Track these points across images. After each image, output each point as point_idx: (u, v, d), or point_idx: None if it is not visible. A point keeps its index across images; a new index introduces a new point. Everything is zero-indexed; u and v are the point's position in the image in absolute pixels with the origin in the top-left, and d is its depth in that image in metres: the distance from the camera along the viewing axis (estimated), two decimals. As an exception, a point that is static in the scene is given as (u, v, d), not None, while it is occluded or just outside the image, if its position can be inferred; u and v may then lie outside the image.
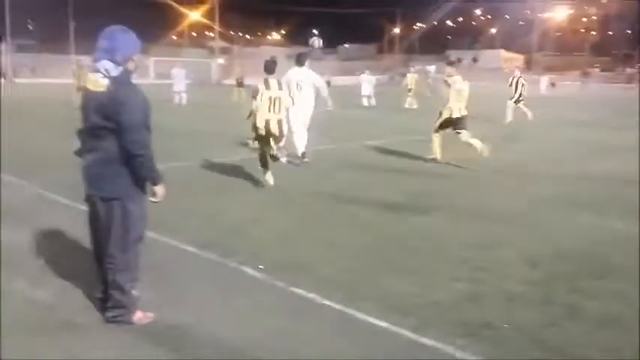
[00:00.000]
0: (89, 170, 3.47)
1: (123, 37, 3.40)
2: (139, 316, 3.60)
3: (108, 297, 3.59)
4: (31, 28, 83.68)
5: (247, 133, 8.38)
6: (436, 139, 10.27)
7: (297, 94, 9.11)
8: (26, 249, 4.96)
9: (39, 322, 3.63)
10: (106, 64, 3.32)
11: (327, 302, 3.99)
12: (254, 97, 7.60)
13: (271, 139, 7.61)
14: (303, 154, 9.81)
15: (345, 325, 3.72)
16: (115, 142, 3.35)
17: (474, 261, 4.95)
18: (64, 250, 4.98)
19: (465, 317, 3.85)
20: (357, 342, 3.50)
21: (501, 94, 20.15)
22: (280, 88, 7.63)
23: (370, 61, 76.71)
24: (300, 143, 9.78)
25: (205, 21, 70.21)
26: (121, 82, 3.34)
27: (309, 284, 4.28)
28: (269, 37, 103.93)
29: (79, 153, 3.58)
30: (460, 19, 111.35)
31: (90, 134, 3.43)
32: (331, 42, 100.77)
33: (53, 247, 5.01)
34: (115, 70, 3.33)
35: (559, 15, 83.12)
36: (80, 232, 4.70)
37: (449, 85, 9.88)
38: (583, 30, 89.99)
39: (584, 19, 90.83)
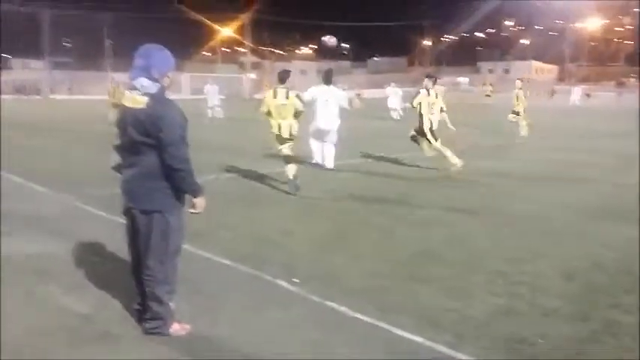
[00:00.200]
0: (129, 184, 3.56)
1: (159, 54, 3.50)
2: (175, 327, 3.65)
3: (145, 308, 3.65)
4: (68, 45, 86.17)
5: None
6: (442, 149, 10.43)
7: (323, 111, 9.57)
8: (64, 260, 5.08)
9: (76, 332, 3.71)
10: (143, 81, 3.42)
11: (360, 315, 3.98)
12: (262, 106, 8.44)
13: (285, 141, 8.34)
14: (316, 163, 10.09)
15: (378, 339, 3.70)
16: (154, 157, 3.42)
17: (510, 274, 4.88)
18: (101, 261, 5.09)
19: (500, 332, 3.80)
20: (390, 357, 3.48)
21: (534, 106, 19.84)
22: (287, 97, 8.23)
23: (400, 73, 76.71)
24: (316, 153, 10.07)
25: (237, 37, 71.30)
26: (158, 98, 3.43)
27: (342, 297, 4.28)
28: (299, 51, 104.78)
29: (118, 168, 3.67)
30: (491, 30, 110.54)
31: (129, 150, 3.52)
32: (361, 55, 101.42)
33: (91, 259, 5.12)
34: (152, 87, 3.42)
35: (592, 25, 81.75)
36: (117, 244, 4.81)
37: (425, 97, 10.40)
38: (617, 40, 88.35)
39: (619, 29, 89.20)
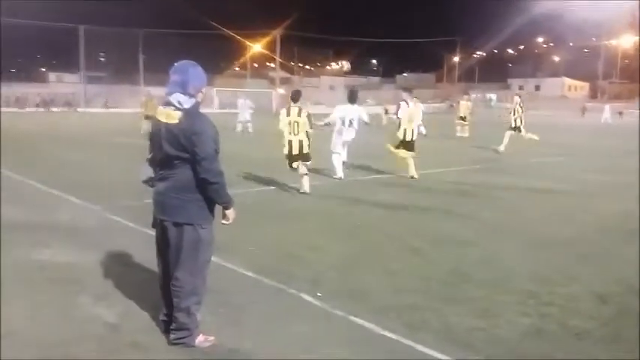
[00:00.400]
0: (162, 197, 3.62)
1: (193, 70, 3.58)
2: (200, 339, 3.67)
3: (172, 319, 3.68)
4: (102, 60, 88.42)
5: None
6: (404, 157, 10.97)
7: (346, 128, 10.61)
8: (94, 270, 5.16)
9: (103, 341, 3.76)
10: (178, 96, 3.51)
11: (386, 333, 3.94)
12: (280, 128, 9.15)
13: (295, 158, 9.14)
14: (340, 178, 10.77)
15: (403, 357, 3.65)
16: (188, 170, 3.50)
17: (540, 294, 4.79)
18: (130, 271, 5.16)
19: (529, 352, 3.72)
20: (416, 374, 3.44)
21: (566, 123, 19.52)
22: (299, 115, 8.97)
23: (428, 89, 76.56)
24: (339, 168, 10.80)
25: (267, 52, 72.19)
26: (193, 113, 3.51)
27: (368, 313, 4.25)
28: (328, 67, 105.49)
29: (149, 182, 3.73)
30: (521, 46, 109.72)
31: (163, 163, 3.59)
32: (391, 71, 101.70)
33: (120, 269, 5.19)
34: (187, 102, 3.51)
35: (625, 42, 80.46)
36: (146, 255, 4.88)
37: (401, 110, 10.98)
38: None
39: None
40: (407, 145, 11.12)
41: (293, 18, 65.83)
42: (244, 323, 4.08)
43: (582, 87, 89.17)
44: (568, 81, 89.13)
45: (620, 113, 49.74)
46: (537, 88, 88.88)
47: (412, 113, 11.08)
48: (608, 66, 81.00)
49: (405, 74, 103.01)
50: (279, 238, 6.55)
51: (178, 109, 3.49)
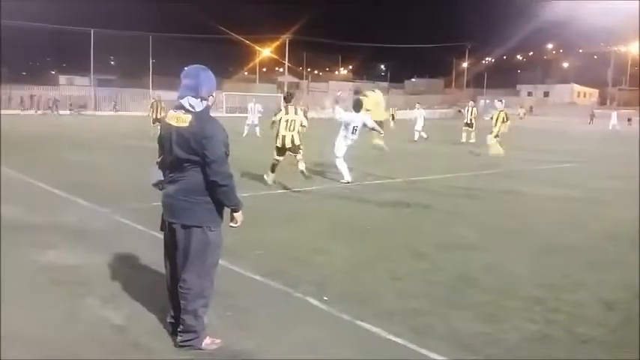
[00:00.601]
0: (171, 199, 3.64)
1: (205, 74, 3.63)
2: (207, 342, 3.68)
3: (179, 321, 3.70)
4: (112, 63, 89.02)
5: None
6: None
7: (351, 135, 11.06)
8: (101, 271, 5.19)
9: (110, 343, 3.77)
10: (190, 100, 3.55)
11: (392, 337, 3.95)
12: (273, 121, 10.23)
13: (288, 151, 10.17)
14: (348, 182, 10.94)
15: (409, 361, 3.65)
16: (197, 173, 3.53)
17: (547, 301, 4.78)
18: (137, 274, 5.18)
19: (534, 358, 3.71)
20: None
21: (574, 130, 19.48)
22: (296, 113, 10.11)
23: (437, 95, 76.47)
24: (346, 172, 11.02)
25: (275, 57, 72.40)
26: (203, 117, 3.55)
27: (374, 318, 4.25)
28: (337, 72, 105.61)
29: (159, 185, 3.76)
30: (531, 53, 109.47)
31: (173, 166, 3.63)
32: (399, 76, 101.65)
33: (127, 271, 5.22)
34: (199, 106, 3.55)
35: (636, 48, 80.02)
36: (153, 257, 4.91)
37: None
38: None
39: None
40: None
41: (302, 23, 66.12)
42: (251, 326, 4.09)
43: (592, 93, 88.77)
44: (577, 87, 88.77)
45: (629, 120, 49.46)
46: (546, 94, 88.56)
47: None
48: (618, 72, 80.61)
49: (413, 79, 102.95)
50: (286, 241, 6.57)
51: (190, 112, 3.53)
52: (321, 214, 8.22)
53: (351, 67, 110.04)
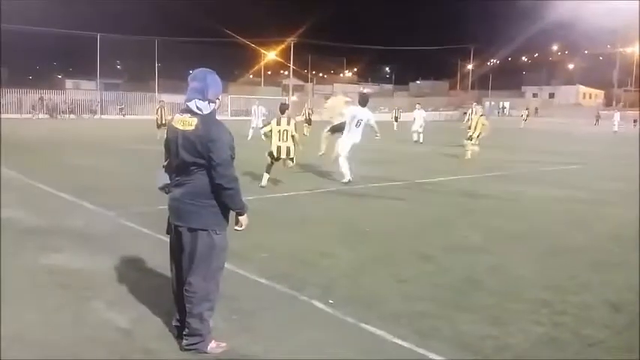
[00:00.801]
0: (177, 202, 3.66)
1: (211, 77, 3.64)
2: (212, 345, 3.68)
3: (184, 325, 3.70)
4: (119, 67, 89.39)
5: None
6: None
7: (357, 130, 11.18)
8: (107, 275, 5.20)
9: (115, 346, 3.78)
10: (198, 102, 3.57)
11: (398, 340, 3.94)
12: (265, 133, 10.77)
13: (283, 160, 10.48)
14: (349, 181, 11.10)
15: (415, 364, 3.65)
16: (204, 176, 3.55)
17: (553, 303, 4.76)
18: (143, 277, 5.19)
19: (542, 362, 3.70)
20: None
21: (579, 132, 19.42)
22: (288, 124, 10.36)
23: (441, 97, 76.38)
24: (347, 172, 11.15)
25: (280, 60, 72.53)
26: (209, 120, 3.56)
27: (379, 321, 4.24)
28: (342, 74, 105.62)
29: (165, 188, 3.77)
30: (536, 54, 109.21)
31: (179, 170, 3.64)
32: (404, 78, 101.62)
33: (133, 275, 5.23)
34: (206, 109, 3.58)
35: (642, 49, 79.70)
36: (159, 260, 4.92)
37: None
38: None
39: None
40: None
41: (307, 26, 66.23)
42: (256, 329, 4.09)
43: (597, 95, 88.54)
44: (583, 89, 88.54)
45: (635, 121, 49.22)
46: (552, 95, 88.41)
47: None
48: (623, 74, 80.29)
49: (418, 82, 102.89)
50: (292, 244, 6.57)
51: (197, 114, 3.54)
52: (327, 217, 8.22)
53: (355, 69, 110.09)
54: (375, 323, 4.19)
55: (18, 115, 41.08)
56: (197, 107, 3.56)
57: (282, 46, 68.79)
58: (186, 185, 3.61)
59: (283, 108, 10.67)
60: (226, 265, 3.88)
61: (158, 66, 59.99)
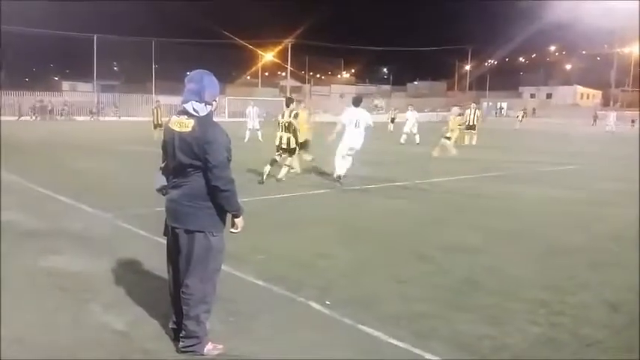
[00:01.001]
0: (174, 204, 3.65)
1: (209, 79, 3.63)
2: (209, 347, 3.68)
3: (181, 327, 3.69)
4: (115, 69, 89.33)
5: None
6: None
7: (353, 130, 11.21)
8: (104, 277, 5.19)
9: (112, 348, 3.77)
10: (195, 104, 3.55)
11: (395, 341, 3.93)
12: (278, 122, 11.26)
13: (283, 151, 11.13)
14: (339, 176, 11.24)
15: (413, 365, 3.64)
16: (200, 178, 3.54)
17: (551, 303, 4.76)
18: (140, 279, 5.18)
19: (540, 362, 3.70)
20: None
21: (577, 132, 19.45)
22: (290, 116, 11.04)
23: (439, 97, 76.45)
24: (340, 168, 11.28)
25: (278, 61, 72.55)
26: (206, 122, 3.55)
27: (377, 322, 4.24)
28: (339, 75, 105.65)
29: (162, 190, 3.76)
30: (533, 55, 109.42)
31: (176, 171, 3.64)
32: (401, 79, 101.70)
33: (130, 277, 5.21)
34: (203, 110, 3.56)
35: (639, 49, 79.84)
36: (156, 263, 4.92)
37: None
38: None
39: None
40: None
41: (304, 27, 66.26)
42: (253, 331, 4.09)
43: (595, 95, 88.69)
44: (580, 89, 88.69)
45: (633, 121, 49.33)
46: (549, 96, 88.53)
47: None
48: (621, 74, 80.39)
49: (415, 82, 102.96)
50: (288, 246, 6.56)
51: (193, 116, 3.53)
52: (324, 218, 8.21)
53: (353, 70, 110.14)
54: (373, 324, 4.18)
55: (14, 118, 41.00)
56: (194, 109, 3.54)
57: (280, 47, 68.84)
58: (183, 187, 3.61)
59: (288, 102, 11.35)
60: (223, 267, 3.87)
61: (155, 67, 59.93)
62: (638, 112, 53.48)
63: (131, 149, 19.14)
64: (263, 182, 10.94)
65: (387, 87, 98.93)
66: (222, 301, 4.20)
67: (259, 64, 76.77)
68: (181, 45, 66.54)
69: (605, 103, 78.84)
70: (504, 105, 79.10)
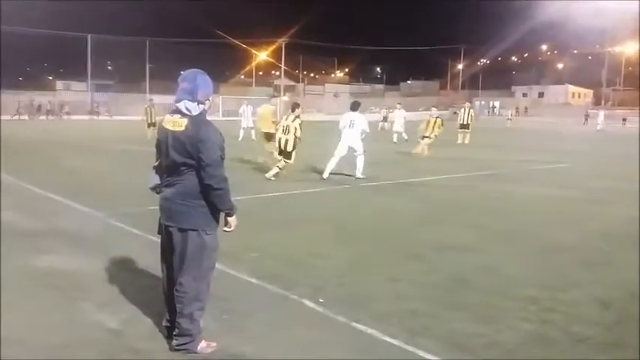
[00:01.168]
0: (168, 203, 3.65)
1: (202, 78, 3.64)
2: (202, 345, 3.68)
3: (174, 325, 3.70)
4: (110, 68, 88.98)
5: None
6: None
7: (349, 131, 11.99)
8: (97, 276, 5.19)
9: (105, 347, 3.78)
10: (187, 103, 3.56)
11: (388, 339, 3.95)
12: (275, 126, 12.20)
13: (285, 155, 11.47)
14: (325, 175, 11.83)
15: (405, 362, 3.66)
16: (194, 177, 3.55)
17: (542, 300, 4.79)
18: (133, 278, 5.18)
19: (530, 358, 3.73)
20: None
21: (569, 131, 19.55)
22: (293, 120, 11.44)
23: (432, 97, 76.57)
24: (328, 167, 11.91)
25: (272, 60, 72.49)
26: (199, 120, 3.56)
27: (370, 319, 4.26)
28: (333, 75, 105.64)
29: (156, 189, 3.77)
30: (525, 54, 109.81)
31: (169, 170, 3.64)
32: (395, 79, 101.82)
33: (123, 275, 5.21)
34: (195, 109, 3.57)
35: (630, 49, 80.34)
36: (149, 261, 4.92)
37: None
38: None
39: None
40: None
41: (298, 26, 66.26)
42: (247, 329, 4.10)
43: (586, 94, 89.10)
44: (572, 88, 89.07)
45: (624, 120, 49.66)
46: (541, 95, 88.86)
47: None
48: (612, 73, 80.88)
49: (409, 81, 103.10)
50: (282, 244, 6.57)
51: (186, 115, 3.54)
52: (317, 216, 8.23)
53: (347, 69, 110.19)
54: (366, 322, 4.20)
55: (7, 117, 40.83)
56: (186, 108, 3.55)
57: (274, 46, 68.83)
58: (176, 185, 3.61)
59: (294, 107, 11.88)
60: (217, 265, 3.88)
61: (150, 66, 59.75)
62: (628, 111, 53.82)
63: (124, 148, 19.09)
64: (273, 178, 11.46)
65: (381, 86, 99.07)
66: (215, 299, 4.20)
67: (253, 64, 76.66)
68: (176, 44, 66.44)
69: (597, 102, 79.23)
70: (497, 104, 79.34)
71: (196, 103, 3.57)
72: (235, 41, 65.51)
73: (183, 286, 3.62)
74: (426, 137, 18.24)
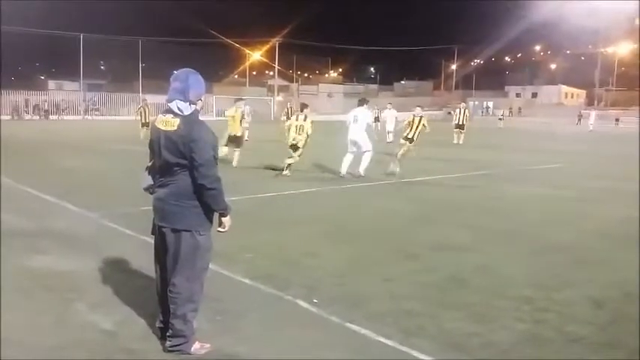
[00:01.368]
0: (161, 203, 3.63)
1: (194, 78, 3.62)
2: (196, 346, 3.66)
3: (168, 326, 3.68)
4: (102, 68, 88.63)
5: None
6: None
7: (354, 125, 12.36)
8: (91, 277, 5.15)
9: (99, 348, 3.75)
10: (179, 103, 3.54)
11: (383, 339, 3.95)
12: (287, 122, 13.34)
13: (294, 149, 12.16)
14: (347, 174, 12.17)
15: (400, 363, 3.65)
16: (187, 177, 3.53)
17: (536, 300, 4.80)
18: (127, 279, 5.15)
19: (524, 357, 3.73)
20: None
21: (562, 131, 19.62)
22: (305, 120, 12.30)
23: (426, 97, 76.72)
24: (344, 164, 12.25)
25: (265, 60, 72.40)
26: (192, 120, 3.54)
27: (364, 320, 4.25)
28: (327, 75, 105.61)
29: (149, 189, 3.75)
30: (519, 54, 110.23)
31: (162, 170, 3.62)
32: (388, 79, 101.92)
33: (117, 276, 5.18)
34: (187, 109, 3.55)
35: (622, 49, 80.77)
36: (143, 262, 4.89)
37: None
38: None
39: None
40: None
41: (292, 26, 66.21)
42: (241, 330, 4.08)
43: (579, 94, 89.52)
44: (565, 88, 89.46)
45: (617, 120, 49.92)
46: (534, 95, 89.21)
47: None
48: (605, 73, 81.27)
49: (402, 82, 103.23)
50: (276, 244, 6.55)
51: (178, 115, 3.52)
52: (312, 216, 8.22)
53: (341, 69, 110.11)
54: (360, 322, 4.20)
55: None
56: (178, 108, 3.53)
57: (267, 46, 68.66)
58: (170, 186, 3.59)
59: (303, 107, 12.85)
60: (211, 265, 3.87)
61: (142, 66, 59.53)
62: (621, 112, 54.11)
63: (118, 148, 19.01)
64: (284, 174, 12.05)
65: (375, 86, 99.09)
66: (209, 300, 4.19)
67: (247, 63, 76.52)
68: (169, 44, 66.13)
69: (590, 103, 79.60)
70: (490, 104, 79.55)
71: (188, 103, 3.55)
72: (229, 41, 65.42)
73: (176, 287, 3.60)
74: (409, 139, 17.18)
